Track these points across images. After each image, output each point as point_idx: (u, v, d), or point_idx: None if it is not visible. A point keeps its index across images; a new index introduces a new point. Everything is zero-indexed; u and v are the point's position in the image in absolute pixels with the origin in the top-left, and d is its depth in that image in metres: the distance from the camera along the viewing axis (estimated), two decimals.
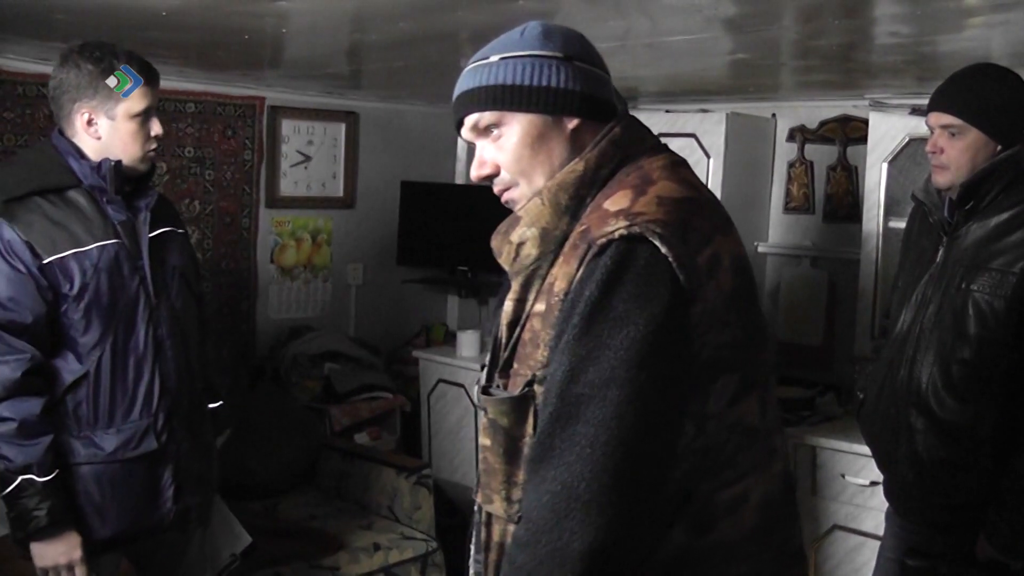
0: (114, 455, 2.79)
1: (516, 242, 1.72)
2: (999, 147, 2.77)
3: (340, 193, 5.81)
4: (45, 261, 2.70)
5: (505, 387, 1.74)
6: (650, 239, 1.53)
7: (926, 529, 2.92)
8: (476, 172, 1.81)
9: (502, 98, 1.72)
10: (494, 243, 1.77)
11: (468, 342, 5.48)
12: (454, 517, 5.19)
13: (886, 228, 4.18)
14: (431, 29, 3.23)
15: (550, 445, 1.55)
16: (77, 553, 2.75)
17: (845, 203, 4.71)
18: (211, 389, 3.24)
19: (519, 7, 2.76)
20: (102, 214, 2.81)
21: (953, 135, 2.78)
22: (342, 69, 4.53)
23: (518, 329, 1.72)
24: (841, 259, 4.68)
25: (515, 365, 1.72)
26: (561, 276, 1.62)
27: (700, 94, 4.76)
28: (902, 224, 3.98)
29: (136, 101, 2.74)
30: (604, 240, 1.56)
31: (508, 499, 1.73)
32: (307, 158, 5.62)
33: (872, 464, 3.44)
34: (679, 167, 1.75)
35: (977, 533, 2.75)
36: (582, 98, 1.71)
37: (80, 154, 2.80)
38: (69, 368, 2.78)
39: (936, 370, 2.77)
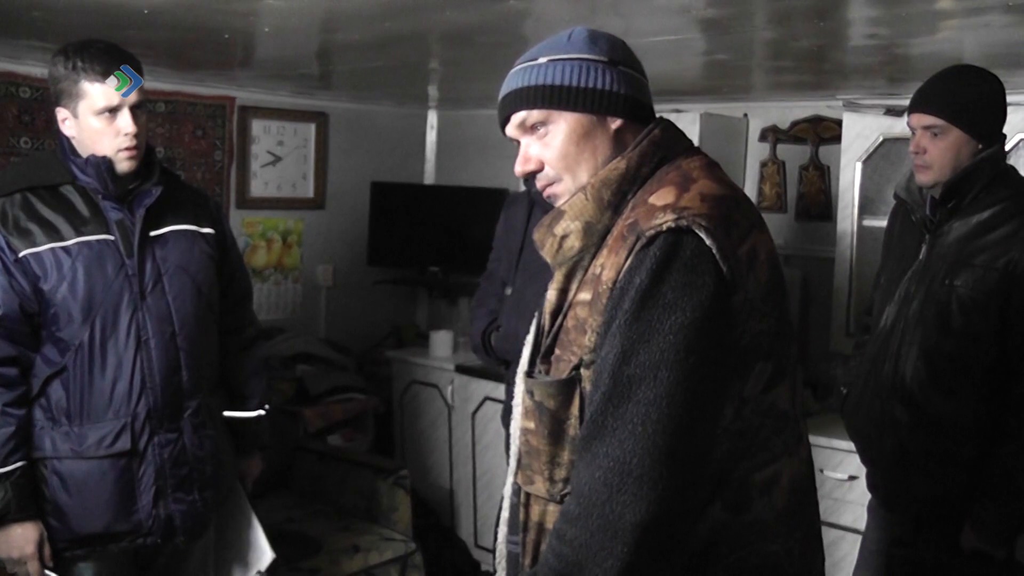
0: (87, 452, 2.78)
1: (560, 235, 1.80)
2: (980, 146, 2.82)
3: (310, 194, 5.80)
4: (21, 255, 2.73)
5: (547, 372, 1.82)
6: (696, 231, 1.62)
7: (910, 521, 2.96)
8: (521, 168, 1.88)
9: (550, 97, 1.80)
10: (537, 235, 1.85)
11: (441, 342, 5.47)
12: (429, 518, 5.20)
13: (860, 227, 4.23)
14: (402, 30, 3.23)
15: (603, 423, 1.62)
16: (30, 548, 2.75)
17: (817, 202, 4.75)
18: (239, 396, 3.23)
19: (491, 8, 2.78)
20: (98, 211, 2.81)
21: (935, 135, 2.83)
22: (313, 69, 4.51)
23: (561, 317, 1.80)
24: (814, 257, 4.72)
25: (557, 351, 1.80)
26: (609, 266, 1.68)
27: (673, 94, 4.77)
28: (876, 222, 4.06)
29: (96, 98, 2.72)
30: (653, 232, 1.63)
31: (551, 479, 1.80)
32: (277, 159, 5.60)
33: (850, 459, 3.49)
34: (714, 167, 1.83)
35: (961, 524, 2.80)
36: (625, 100, 1.81)
37: (73, 152, 2.81)
38: (49, 361, 2.79)
39: (920, 364, 2.81)
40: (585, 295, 1.74)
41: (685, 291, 1.60)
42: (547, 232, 1.83)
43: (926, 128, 2.84)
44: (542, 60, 1.82)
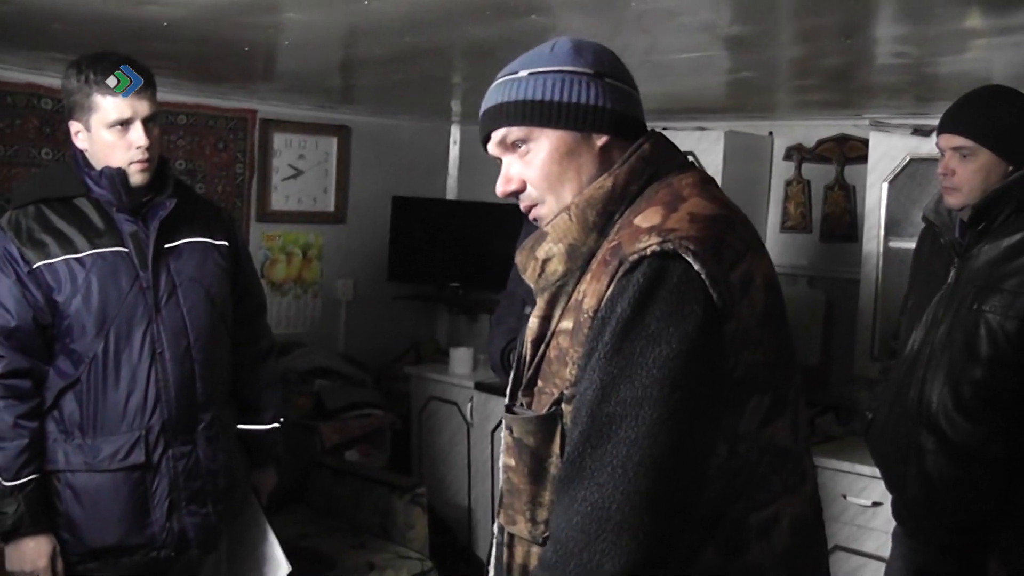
0: (101, 465, 2.77)
1: (542, 258, 1.70)
2: (1010, 167, 2.76)
3: (331, 208, 5.78)
4: (35, 266, 2.73)
5: (529, 405, 1.71)
6: (683, 256, 1.50)
7: (936, 550, 2.90)
8: (502, 188, 1.78)
9: (531, 113, 1.70)
10: (519, 259, 1.75)
11: (461, 359, 5.44)
12: (446, 535, 5.16)
13: (886, 248, 4.17)
14: (424, 44, 3.21)
15: (580, 465, 1.51)
16: (42, 561, 2.74)
17: (843, 223, 4.69)
18: (252, 409, 3.22)
19: (513, 23, 2.75)
20: (111, 223, 2.81)
21: (964, 157, 2.78)
22: (335, 83, 4.51)
23: (543, 347, 1.69)
24: (839, 279, 4.66)
25: (540, 383, 1.69)
26: (591, 293, 1.58)
27: (697, 112, 4.74)
28: (902, 244, 4.00)
29: (107, 111, 2.72)
30: (636, 256, 1.52)
31: (533, 520, 1.69)
32: (299, 172, 5.59)
33: (874, 484, 3.43)
34: (708, 184, 1.72)
35: (988, 554, 2.74)
36: (612, 115, 1.69)
37: (87, 164, 2.80)
38: (62, 373, 2.79)
39: (947, 390, 2.76)
40: (568, 323, 1.63)
41: (671, 321, 1.48)
42: (529, 255, 1.72)
43: (955, 149, 2.79)
44: (523, 73, 1.71)
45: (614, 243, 1.60)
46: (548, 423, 1.64)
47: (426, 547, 4.43)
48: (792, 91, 3.96)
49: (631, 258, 1.53)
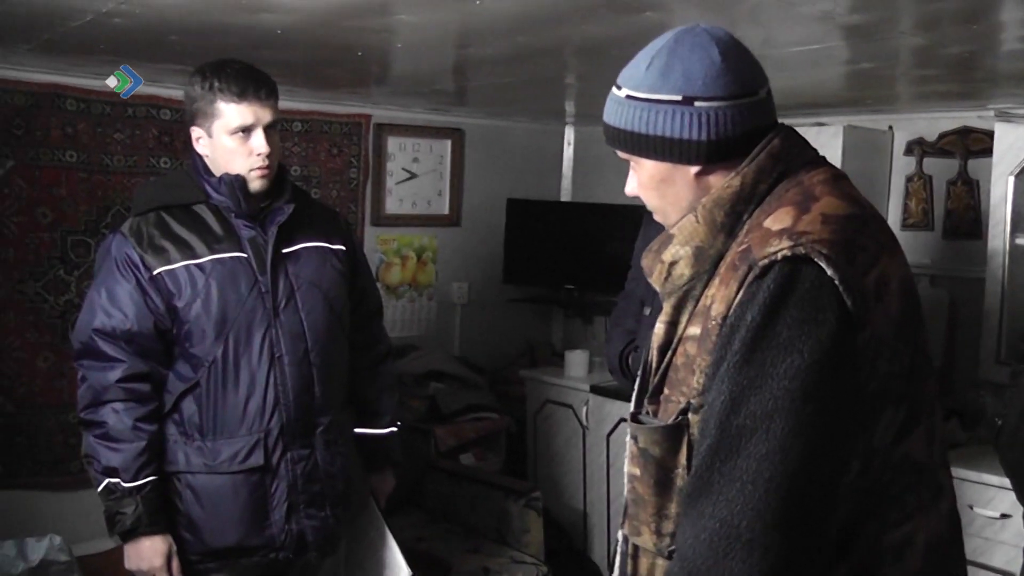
0: (221, 467, 2.81)
1: (668, 261, 1.66)
2: None
3: (445, 211, 5.80)
4: (155, 272, 2.78)
5: (655, 413, 1.67)
6: (816, 260, 1.45)
7: None
8: (627, 190, 1.80)
9: (626, 142, 1.69)
10: (645, 262, 1.71)
11: (576, 362, 5.41)
12: (561, 540, 5.12)
13: (1013, 245, 4.00)
14: (537, 44, 3.20)
15: (708, 479, 1.47)
16: (159, 561, 2.79)
17: (966, 219, 4.54)
18: (369, 412, 3.24)
19: (627, 20, 2.72)
20: (230, 229, 2.84)
21: None
22: (448, 85, 4.51)
23: (669, 353, 1.65)
24: (962, 278, 4.50)
25: (666, 391, 1.65)
26: (719, 299, 1.54)
27: (815, 107, 4.64)
28: None
29: (230, 117, 2.75)
30: (767, 261, 1.47)
31: (658, 532, 1.65)
32: (413, 175, 5.62)
33: (1003, 495, 3.29)
34: (841, 181, 1.66)
35: None
36: (698, 146, 1.62)
37: (207, 171, 2.83)
38: (182, 377, 2.83)
39: None
40: (695, 329, 1.59)
41: (803, 329, 1.43)
42: (655, 258, 1.69)
43: None
44: (622, 94, 1.67)
45: (744, 246, 1.55)
46: (674, 433, 1.60)
47: (541, 551, 4.41)
48: (913, 82, 3.85)
49: (761, 263, 1.48)
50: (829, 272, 1.44)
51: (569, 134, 6.35)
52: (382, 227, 5.50)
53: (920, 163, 4.70)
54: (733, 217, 1.62)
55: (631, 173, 1.76)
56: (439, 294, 5.81)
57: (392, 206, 5.55)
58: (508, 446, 5.47)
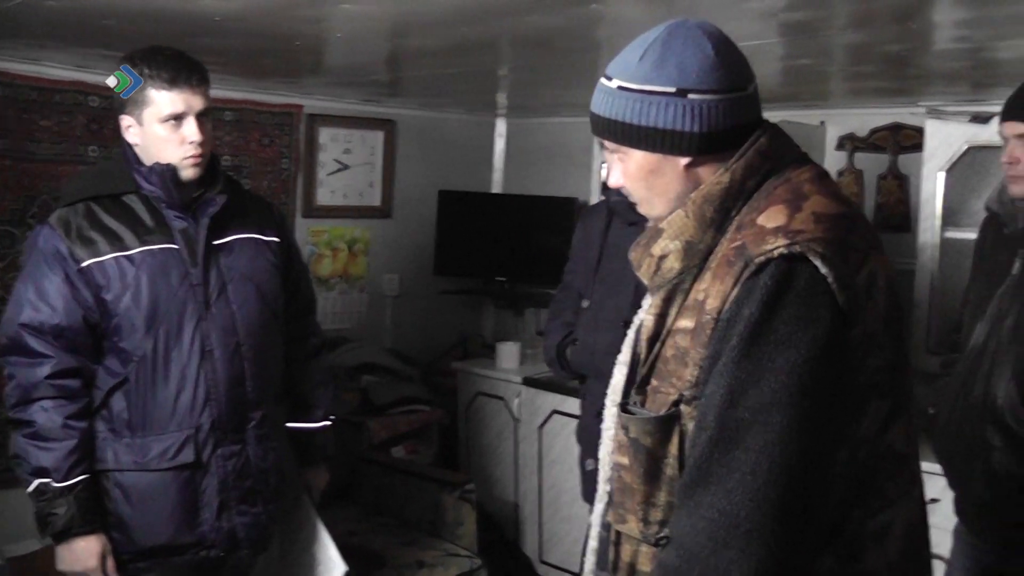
0: (151, 464, 2.76)
1: (658, 255, 1.70)
2: None
3: (377, 202, 5.76)
4: (84, 264, 2.72)
5: (642, 404, 1.71)
6: (811, 259, 1.50)
7: (1000, 548, 2.83)
8: (612, 182, 1.81)
9: (616, 132, 1.71)
10: (633, 255, 1.76)
11: (508, 354, 5.40)
12: (494, 533, 5.13)
13: (943, 239, 4.08)
14: (476, 36, 3.17)
15: (708, 470, 1.52)
16: (93, 561, 2.74)
17: (897, 213, 4.61)
18: (303, 407, 3.19)
19: (573, 12, 2.71)
20: (161, 220, 2.79)
21: None
22: (382, 76, 4.48)
23: (658, 345, 1.69)
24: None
25: (654, 382, 1.69)
26: (713, 293, 1.58)
27: None
28: (960, 234, 3.92)
29: (162, 105, 2.69)
30: (763, 258, 1.52)
31: (645, 520, 1.70)
32: (345, 167, 5.57)
33: (933, 480, 3.33)
34: (826, 179, 1.71)
35: None
36: (690, 138, 1.65)
37: (137, 160, 2.77)
38: (111, 372, 2.77)
39: (1013, 385, 2.68)
40: (687, 322, 1.63)
41: (799, 325, 1.48)
42: (644, 252, 1.73)
43: (1020, 137, 2.73)
44: (613, 84, 1.69)
45: (738, 243, 1.59)
46: (667, 424, 1.64)
47: (475, 544, 4.40)
48: (847, 78, 3.89)
49: (757, 259, 1.53)
50: (823, 270, 1.50)
51: (501, 126, 6.34)
52: (314, 218, 5.43)
53: (851, 158, 4.76)
54: (722, 213, 1.66)
55: (615, 164, 1.77)
56: (371, 286, 5.76)
57: (324, 197, 5.49)
58: (440, 439, 5.45)
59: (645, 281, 1.74)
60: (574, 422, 3.54)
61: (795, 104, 4.72)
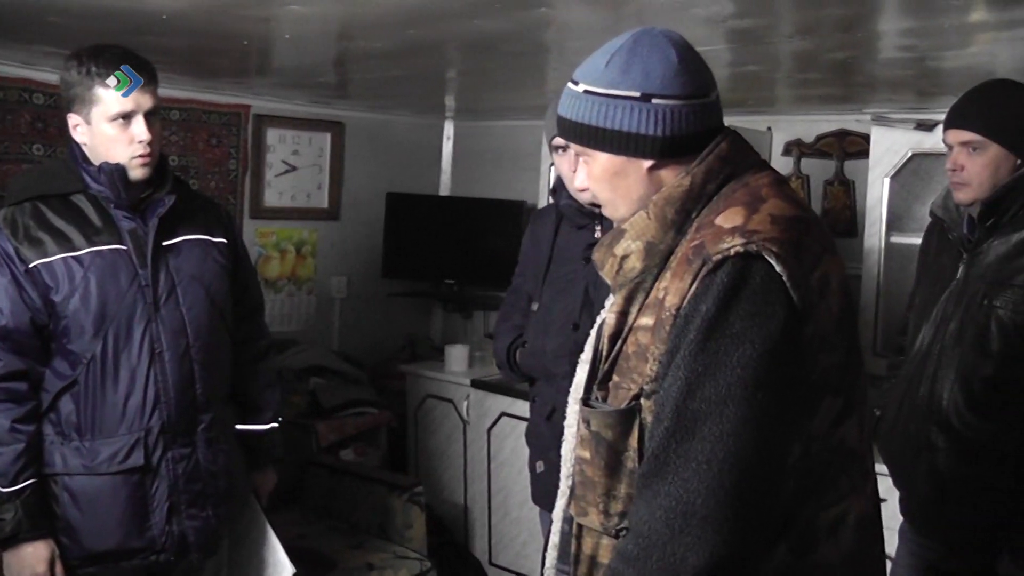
0: (100, 467, 2.72)
1: (620, 255, 1.75)
2: (1019, 161, 2.75)
3: (325, 204, 5.74)
4: (31, 265, 2.68)
5: (604, 399, 1.75)
6: (766, 257, 1.55)
7: (946, 548, 2.88)
8: (577, 184, 1.94)
9: (582, 135, 1.75)
10: (596, 255, 1.80)
11: (456, 356, 5.40)
12: (443, 535, 5.12)
13: (888, 244, 4.13)
14: (424, 38, 3.17)
15: (665, 460, 1.56)
16: (41, 567, 2.69)
17: (843, 218, 4.67)
18: (251, 409, 3.17)
19: (520, 16, 2.72)
20: (110, 220, 2.76)
21: (974, 151, 2.76)
22: (330, 78, 4.46)
23: (620, 342, 1.73)
24: None
25: (616, 378, 1.73)
26: (673, 291, 1.62)
27: None
28: (904, 239, 3.97)
29: (109, 104, 2.66)
30: (720, 256, 1.57)
31: (606, 512, 1.74)
32: (292, 168, 5.54)
33: (879, 482, 3.38)
34: (783, 185, 1.75)
35: (998, 551, 2.73)
36: (654, 141, 1.70)
37: (85, 159, 2.75)
38: (60, 374, 2.73)
39: (957, 387, 2.74)
40: (647, 320, 1.68)
41: (754, 321, 1.53)
42: (607, 252, 1.77)
43: (964, 144, 2.78)
44: (580, 88, 1.74)
45: (696, 242, 1.63)
46: (627, 417, 1.68)
47: (424, 546, 4.40)
48: (793, 85, 3.93)
49: (715, 258, 1.57)
50: (778, 269, 1.55)
51: (449, 129, 6.34)
52: (261, 220, 5.40)
53: (798, 163, 4.81)
54: (683, 215, 1.71)
55: (580, 166, 1.84)
56: (318, 288, 5.74)
57: (271, 199, 5.46)
58: (389, 441, 5.44)
59: (608, 280, 1.78)
60: (523, 424, 3.54)
61: (742, 110, 4.76)
